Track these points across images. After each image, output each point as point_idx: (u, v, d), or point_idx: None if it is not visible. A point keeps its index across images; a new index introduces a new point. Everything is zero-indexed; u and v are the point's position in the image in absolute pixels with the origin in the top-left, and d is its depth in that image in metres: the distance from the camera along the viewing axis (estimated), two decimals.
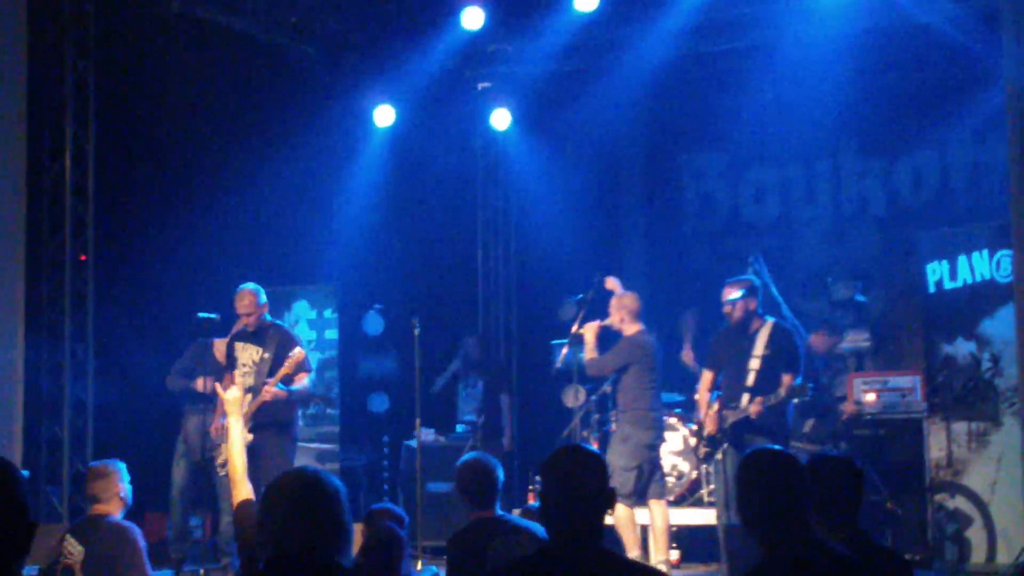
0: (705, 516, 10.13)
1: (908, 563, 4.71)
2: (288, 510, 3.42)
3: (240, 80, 12.51)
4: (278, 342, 9.60)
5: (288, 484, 3.50)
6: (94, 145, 10.77)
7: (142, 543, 6.68)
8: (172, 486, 10.29)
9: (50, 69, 10.57)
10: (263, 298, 9.72)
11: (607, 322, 9.75)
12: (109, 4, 10.85)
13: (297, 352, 9.28)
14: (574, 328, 10.77)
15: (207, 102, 12.34)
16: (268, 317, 9.78)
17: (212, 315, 10.06)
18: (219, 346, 10.21)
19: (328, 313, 12.62)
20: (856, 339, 11.66)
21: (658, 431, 9.65)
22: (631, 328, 9.69)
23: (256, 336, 9.69)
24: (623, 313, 9.75)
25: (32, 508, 2.72)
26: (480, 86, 13.56)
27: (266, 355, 9.61)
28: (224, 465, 9.63)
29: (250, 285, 9.72)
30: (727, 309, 9.45)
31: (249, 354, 9.68)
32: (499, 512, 6.10)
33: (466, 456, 6.61)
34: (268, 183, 12.66)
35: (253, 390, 9.54)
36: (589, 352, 9.72)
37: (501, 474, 6.18)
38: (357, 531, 6.26)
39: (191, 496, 10.39)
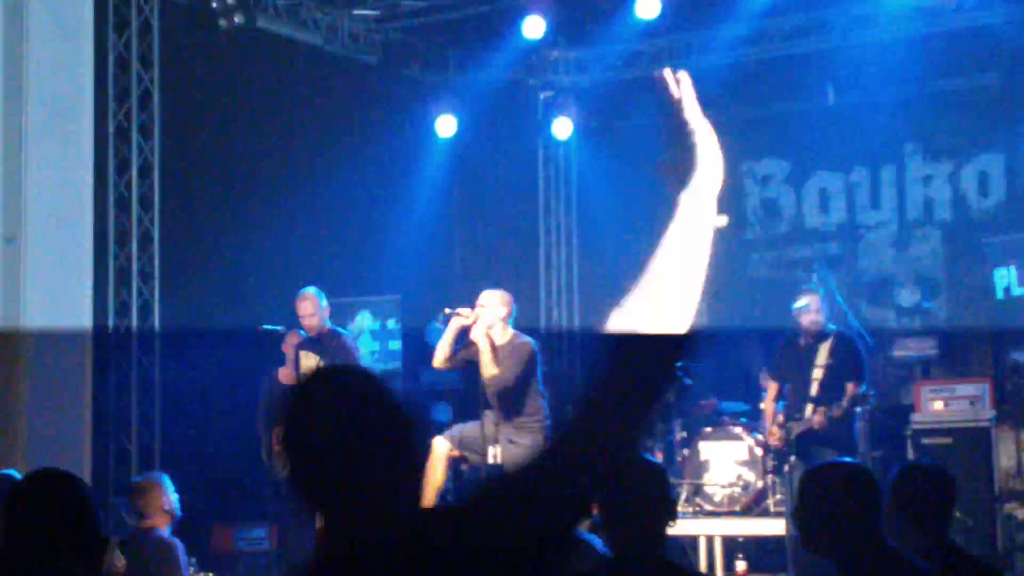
0: (772, 527, 10.04)
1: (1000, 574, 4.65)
2: None
3: (302, 91, 12.58)
4: (333, 351, 9.67)
5: None
6: (159, 157, 10.86)
7: (183, 559, 6.78)
8: None
9: (116, 82, 10.67)
10: (324, 302, 9.80)
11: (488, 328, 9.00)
12: (173, 17, 10.95)
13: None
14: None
15: (270, 113, 12.41)
16: (329, 324, 9.84)
17: (276, 327, 10.14)
18: (291, 339, 10.16)
19: (391, 324, 12.65)
20: (923, 347, 11.54)
21: None
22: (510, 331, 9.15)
23: (317, 344, 9.77)
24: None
25: (103, 524, 2.76)
26: (542, 95, 13.57)
27: (322, 364, 9.67)
28: (284, 471, 9.65)
29: (311, 289, 9.81)
30: (812, 317, 9.43)
31: (309, 363, 9.76)
32: None
33: None
34: (330, 194, 12.70)
35: None
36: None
37: None
38: None
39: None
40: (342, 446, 2.18)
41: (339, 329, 10.06)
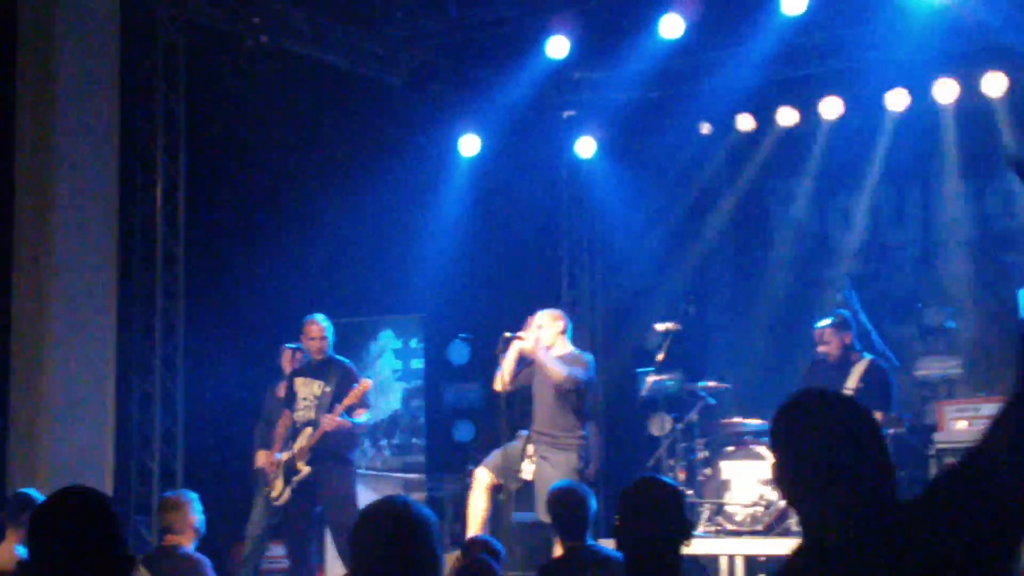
0: (793, 546, 9.97)
1: None
2: (379, 541, 3.29)
3: (326, 112, 12.63)
4: (339, 377, 9.73)
5: (378, 514, 3.38)
6: (184, 178, 10.90)
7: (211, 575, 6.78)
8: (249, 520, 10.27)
9: (142, 103, 10.73)
10: (330, 329, 9.90)
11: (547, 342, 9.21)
12: (199, 38, 11.01)
13: (365, 382, 9.43)
14: (659, 356, 10.72)
15: (294, 134, 12.46)
16: (330, 351, 9.91)
17: (299, 345, 10.20)
18: (286, 355, 10.46)
19: (414, 343, 12.67)
20: (947, 366, 11.49)
21: None
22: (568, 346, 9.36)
23: (318, 370, 9.82)
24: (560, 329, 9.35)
25: (128, 542, 2.76)
26: (565, 114, 13.57)
27: (328, 389, 9.71)
28: (278, 498, 9.73)
29: (319, 315, 9.91)
30: (822, 347, 9.44)
31: (311, 388, 9.80)
32: (589, 542, 6.07)
33: (559, 484, 6.57)
34: (354, 214, 12.75)
35: (313, 424, 9.64)
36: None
37: (593, 504, 6.16)
38: (449, 560, 6.29)
39: (268, 532, 10.27)
40: (833, 453, 2.67)
41: (340, 357, 10.10)
